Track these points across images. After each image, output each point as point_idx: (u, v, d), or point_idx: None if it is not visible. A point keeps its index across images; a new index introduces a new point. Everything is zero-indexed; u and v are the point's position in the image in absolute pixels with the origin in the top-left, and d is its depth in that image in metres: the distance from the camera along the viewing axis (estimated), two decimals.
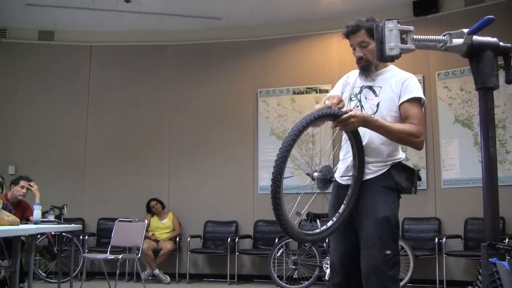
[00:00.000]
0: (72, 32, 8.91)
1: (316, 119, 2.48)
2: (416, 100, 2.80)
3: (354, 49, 2.89)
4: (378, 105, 2.84)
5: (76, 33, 8.90)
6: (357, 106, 2.85)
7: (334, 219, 2.69)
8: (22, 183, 6.16)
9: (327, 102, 2.65)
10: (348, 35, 2.89)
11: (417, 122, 2.75)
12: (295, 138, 2.37)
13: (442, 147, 7.44)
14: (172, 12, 8.27)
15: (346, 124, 2.57)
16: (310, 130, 2.53)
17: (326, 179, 2.69)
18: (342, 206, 2.72)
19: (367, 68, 2.88)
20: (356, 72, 3.00)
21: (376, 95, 2.87)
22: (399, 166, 2.85)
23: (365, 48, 2.84)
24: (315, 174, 2.60)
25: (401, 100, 2.80)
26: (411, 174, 2.87)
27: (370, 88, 2.90)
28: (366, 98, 2.89)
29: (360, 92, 2.92)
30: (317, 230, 2.60)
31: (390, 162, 2.83)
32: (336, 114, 2.56)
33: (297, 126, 2.42)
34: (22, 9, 8.19)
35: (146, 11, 8.22)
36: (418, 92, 2.81)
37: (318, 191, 2.74)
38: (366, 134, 2.77)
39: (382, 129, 2.71)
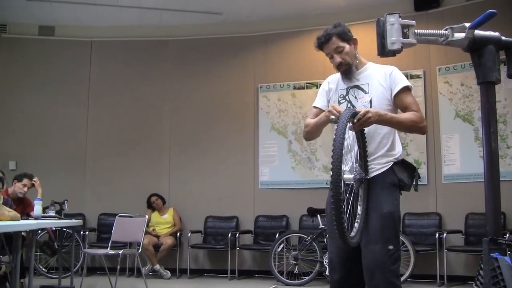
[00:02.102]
0: (72, 27, 8.90)
1: (349, 120, 2.49)
2: (407, 89, 2.88)
3: (331, 57, 2.94)
4: (370, 101, 2.87)
5: (77, 28, 8.88)
6: (348, 107, 2.86)
7: (359, 221, 2.68)
8: (25, 181, 6.17)
9: (332, 117, 2.63)
10: (321, 46, 2.93)
11: (416, 109, 2.85)
12: (342, 144, 2.33)
13: (443, 142, 7.43)
14: (172, 7, 8.25)
15: (365, 121, 2.58)
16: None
17: (362, 178, 2.67)
18: (359, 207, 2.72)
19: (349, 71, 2.92)
20: (335, 76, 3.05)
21: (366, 92, 2.90)
22: (401, 163, 2.89)
23: (342, 53, 2.89)
24: (345, 176, 2.57)
25: (394, 92, 2.87)
26: (412, 172, 2.90)
27: (357, 87, 2.93)
28: (356, 97, 2.91)
29: (347, 93, 2.95)
30: (353, 234, 2.58)
31: (392, 159, 2.86)
32: (357, 113, 2.57)
33: (340, 130, 2.37)
34: (23, 5, 8.18)
35: (146, 6, 8.21)
36: (406, 81, 2.90)
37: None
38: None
39: (393, 121, 2.76)
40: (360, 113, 2.56)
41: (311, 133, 3.00)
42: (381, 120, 2.68)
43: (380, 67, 2.96)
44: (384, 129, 2.83)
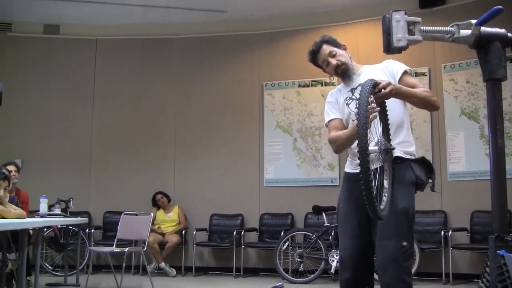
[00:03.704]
0: (77, 25, 8.91)
1: (371, 89, 2.44)
2: (407, 72, 2.92)
3: (326, 65, 2.99)
4: None
5: (82, 26, 8.89)
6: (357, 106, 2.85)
7: (386, 194, 2.61)
8: (10, 167, 6.06)
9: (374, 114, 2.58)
10: (314, 56, 3.01)
11: (423, 87, 2.91)
12: (367, 112, 2.28)
13: (448, 140, 7.41)
14: (177, 5, 8.25)
15: (388, 90, 2.56)
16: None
17: (387, 149, 2.61)
18: (385, 181, 2.65)
19: (348, 69, 2.97)
20: (333, 90, 3.11)
21: None
22: (421, 161, 2.88)
23: (335, 57, 2.96)
24: (370, 148, 2.52)
25: (398, 77, 2.89)
26: (430, 171, 2.91)
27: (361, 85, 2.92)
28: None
29: (353, 94, 2.95)
30: (382, 207, 2.50)
31: (412, 149, 2.86)
32: (378, 83, 2.54)
33: (363, 99, 2.31)
34: (28, 3, 8.20)
35: (151, 4, 8.20)
36: (404, 66, 2.95)
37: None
38: None
39: (409, 94, 2.75)
40: (382, 85, 2.54)
41: (344, 146, 2.93)
42: (398, 92, 2.67)
43: (375, 64, 3.01)
44: (396, 117, 2.81)
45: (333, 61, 2.94)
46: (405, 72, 2.90)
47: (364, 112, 2.27)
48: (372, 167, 2.58)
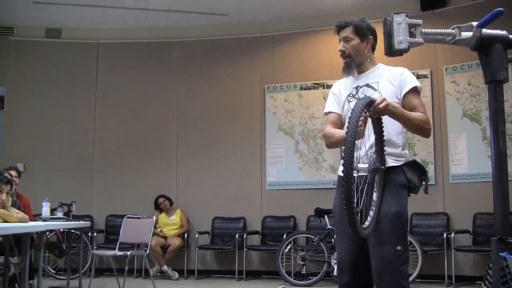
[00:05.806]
0: (79, 29, 8.93)
1: (365, 107, 2.44)
2: (416, 90, 2.87)
3: (340, 43, 2.97)
4: None
5: (83, 30, 8.91)
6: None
7: (373, 208, 2.63)
8: (12, 172, 6.03)
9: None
10: (339, 30, 2.97)
11: (423, 111, 2.83)
12: (356, 129, 2.30)
13: (450, 142, 7.41)
14: (179, 8, 8.26)
15: (383, 107, 2.54)
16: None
17: (376, 168, 2.63)
18: (375, 193, 2.67)
19: (349, 65, 2.93)
20: (342, 80, 3.07)
21: (375, 90, 2.89)
22: (412, 164, 2.87)
23: (348, 43, 2.92)
24: (360, 165, 2.53)
25: (404, 91, 2.85)
26: (422, 174, 2.89)
27: (367, 85, 2.92)
28: (365, 95, 2.88)
29: (357, 92, 2.94)
30: (367, 223, 2.54)
31: (404, 159, 2.85)
32: (374, 101, 2.53)
33: (354, 116, 2.32)
34: (30, 7, 8.22)
35: (153, 8, 8.22)
36: (416, 82, 2.89)
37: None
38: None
39: (404, 116, 2.73)
40: (378, 101, 2.53)
41: (335, 145, 2.98)
42: (394, 112, 2.66)
43: (390, 67, 2.96)
44: (394, 125, 2.80)
45: (341, 47, 2.92)
46: (413, 89, 2.85)
47: (352, 138, 2.26)
48: (358, 174, 2.58)
